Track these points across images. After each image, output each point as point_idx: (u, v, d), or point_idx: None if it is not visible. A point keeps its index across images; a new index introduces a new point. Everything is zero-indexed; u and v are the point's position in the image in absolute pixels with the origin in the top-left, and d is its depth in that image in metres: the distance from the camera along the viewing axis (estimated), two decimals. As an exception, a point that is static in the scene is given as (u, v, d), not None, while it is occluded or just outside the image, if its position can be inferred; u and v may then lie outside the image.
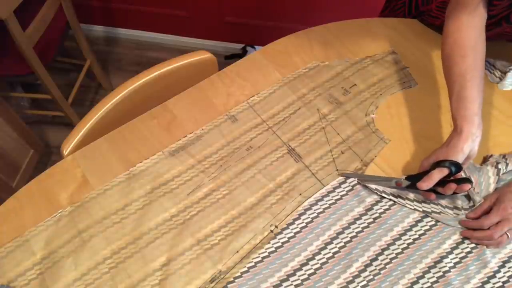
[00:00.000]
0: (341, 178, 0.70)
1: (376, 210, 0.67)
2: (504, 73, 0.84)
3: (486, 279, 0.61)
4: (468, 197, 0.68)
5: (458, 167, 0.61)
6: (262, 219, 0.66)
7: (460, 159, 0.61)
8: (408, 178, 0.66)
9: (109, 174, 0.70)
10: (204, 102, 0.79)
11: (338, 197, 0.68)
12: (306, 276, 0.61)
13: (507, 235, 0.62)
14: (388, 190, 0.68)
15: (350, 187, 0.69)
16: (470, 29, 0.68)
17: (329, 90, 0.81)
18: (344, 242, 0.64)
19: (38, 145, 1.53)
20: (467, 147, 0.62)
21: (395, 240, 0.64)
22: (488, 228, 0.62)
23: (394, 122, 0.78)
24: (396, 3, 1.01)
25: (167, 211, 0.66)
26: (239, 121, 0.77)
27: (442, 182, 0.62)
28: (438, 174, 0.61)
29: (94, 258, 0.62)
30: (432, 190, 0.63)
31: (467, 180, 0.62)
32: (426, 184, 0.61)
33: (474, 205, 0.67)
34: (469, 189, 0.62)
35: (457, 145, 0.62)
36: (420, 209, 0.67)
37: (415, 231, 0.65)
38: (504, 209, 0.62)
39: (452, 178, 0.63)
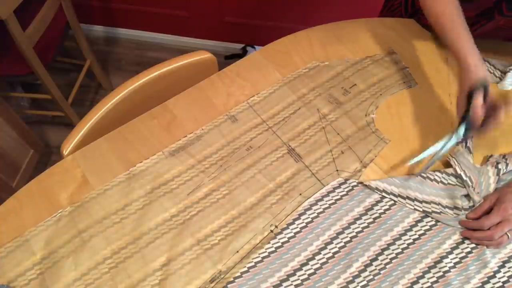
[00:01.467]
0: (341, 179, 0.70)
1: (376, 210, 0.67)
2: (504, 73, 0.84)
3: (486, 279, 0.61)
4: (468, 197, 0.68)
5: (486, 86, 0.63)
6: (262, 219, 0.66)
7: (481, 74, 0.64)
8: (460, 127, 0.65)
9: (109, 174, 0.70)
10: (204, 102, 0.79)
11: (338, 197, 0.68)
12: (306, 276, 0.61)
13: (508, 235, 0.62)
14: (389, 189, 0.68)
15: (350, 188, 0.69)
16: None
17: (329, 90, 0.81)
18: (344, 242, 0.64)
19: (38, 145, 1.53)
20: (480, 68, 0.65)
21: (395, 240, 0.64)
22: (489, 229, 0.63)
23: (394, 122, 0.78)
24: (393, 3, 1.01)
25: (167, 211, 0.66)
26: (239, 121, 0.77)
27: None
28: (479, 99, 0.62)
29: (94, 258, 0.62)
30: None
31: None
32: (477, 120, 0.63)
33: (474, 205, 0.67)
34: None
35: (472, 73, 0.64)
36: (420, 209, 0.67)
37: (415, 231, 0.65)
38: (504, 210, 0.62)
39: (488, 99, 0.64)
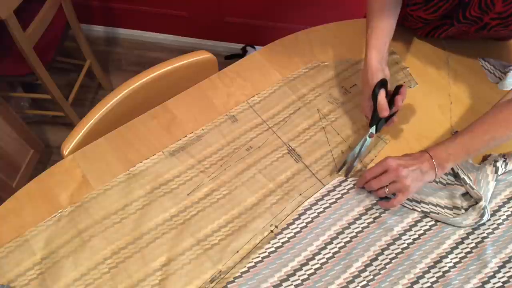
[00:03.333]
0: (341, 177, 0.70)
1: (376, 209, 0.67)
2: (504, 73, 0.84)
3: (486, 279, 0.61)
4: (467, 196, 0.68)
5: (385, 81, 0.70)
6: (262, 219, 0.66)
7: (380, 76, 0.69)
8: (371, 125, 0.71)
9: (109, 174, 0.70)
10: (204, 102, 0.79)
11: (339, 195, 0.68)
12: (306, 276, 0.61)
13: (386, 190, 0.64)
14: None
15: (351, 185, 0.69)
16: None
17: (329, 90, 0.81)
18: (344, 242, 0.64)
19: (38, 145, 1.53)
20: (379, 66, 0.70)
21: (395, 240, 0.64)
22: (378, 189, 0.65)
23: (394, 122, 0.77)
24: None
25: (167, 211, 0.66)
26: (239, 121, 0.77)
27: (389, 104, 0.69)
28: (382, 98, 0.68)
29: (94, 258, 0.62)
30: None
31: (400, 86, 0.71)
32: (385, 111, 0.68)
33: (473, 204, 0.66)
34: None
35: (372, 71, 0.70)
36: (419, 209, 0.67)
37: (415, 231, 0.65)
38: (395, 170, 0.63)
39: (389, 94, 0.71)
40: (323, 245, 0.64)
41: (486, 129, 0.64)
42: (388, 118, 0.70)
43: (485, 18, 0.73)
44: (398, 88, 0.71)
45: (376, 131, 0.71)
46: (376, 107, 0.69)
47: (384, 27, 0.73)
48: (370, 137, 0.71)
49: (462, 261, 0.63)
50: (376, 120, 0.70)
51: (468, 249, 0.64)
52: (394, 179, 0.63)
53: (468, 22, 0.76)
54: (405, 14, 0.85)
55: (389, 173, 0.63)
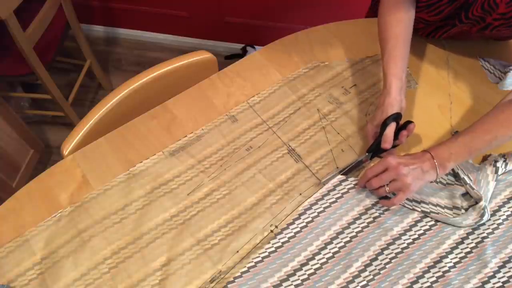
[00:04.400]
0: (341, 176, 0.70)
1: (376, 209, 0.67)
2: (504, 73, 0.84)
3: (486, 279, 0.61)
4: (468, 196, 0.68)
5: (399, 115, 0.68)
6: (262, 219, 0.66)
7: (396, 108, 0.68)
8: (369, 151, 0.70)
9: (109, 174, 0.70)
10: (204, 102, 0.79)
11: (339, 195, 0.68)
12: (306, 276, 0.61)
13: (386, 189, 0.64)
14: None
15: (351, 185, 0.69)
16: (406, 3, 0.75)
17: (329, 90, 0.81)
18: (344, 242, 0.64)
19: (38, 145, 1.53)
20: (399, 97, 0.69)
21: (395, 239, 0.64)
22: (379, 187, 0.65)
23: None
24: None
25: (167, 211, 0.66)
26: (239, 121, 0.77)
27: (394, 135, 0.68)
28: (390, 131, 0.67)
29: (94, 258, 0.62)
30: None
31: (409, 122, 0.69)
32: (388, 143, 0.67)
33: (473, 204, 0.66)
34: (412, 126, 0.69)
35: (390, 101, 0.69)
36: (419, 209, 0.67)
37: (415, 231, 0.65)
38: (395, 169, 0.63)
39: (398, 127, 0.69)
40: (323, 245, 0.64)
41: (488, 129, 0.64)
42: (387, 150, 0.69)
43: (487, 18, 0.73)
44: (407, 123, 0.69)
45: (372, 157, 0.71)
46: (381, 136, 0.67)
47: (401, 52, 0.72)
48: (364, 161, 0.71)
49: (462, 261, 0.63)
50: (375, 148, 0.69)
51: (468, 249, 0.64)
52: (394, 177, 0.63)
53: (471, 22, 0.76)
54: None
55: (389, 171, 0.63)
